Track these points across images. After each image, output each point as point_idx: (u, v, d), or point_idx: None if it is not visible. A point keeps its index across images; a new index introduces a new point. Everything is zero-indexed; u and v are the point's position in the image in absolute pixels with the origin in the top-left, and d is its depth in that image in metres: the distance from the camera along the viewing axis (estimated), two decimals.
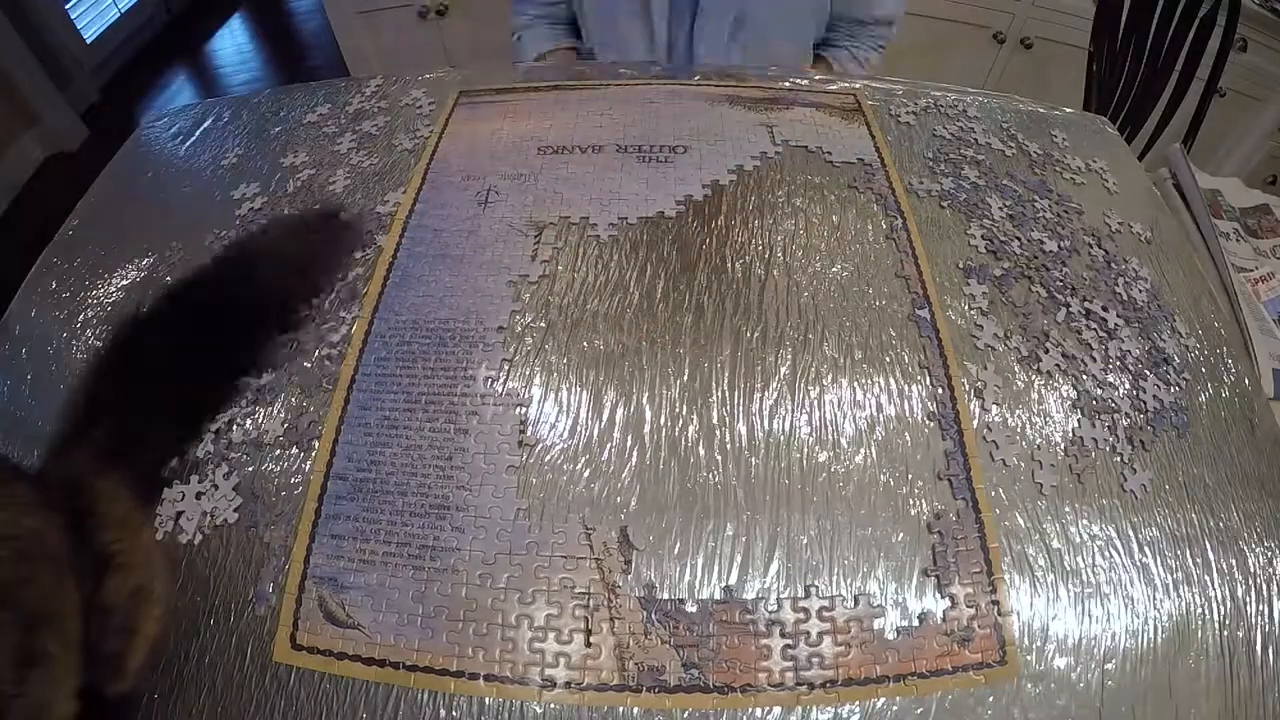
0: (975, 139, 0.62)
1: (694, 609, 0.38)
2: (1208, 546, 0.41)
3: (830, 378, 0.46)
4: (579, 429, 0.44)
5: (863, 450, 0.43)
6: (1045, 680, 0.37)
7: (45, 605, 0.32)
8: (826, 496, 0.41)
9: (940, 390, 0.45)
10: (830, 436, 0.44)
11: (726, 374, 0.46)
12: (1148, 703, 0.37)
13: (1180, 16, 1.04)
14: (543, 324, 0.49)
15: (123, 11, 2.43)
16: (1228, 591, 0.40)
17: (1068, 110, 0.68)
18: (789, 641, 0.37)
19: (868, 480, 0.42)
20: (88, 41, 2.26)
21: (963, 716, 0.36)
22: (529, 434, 0.44)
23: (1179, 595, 0.40)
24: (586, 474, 0.42)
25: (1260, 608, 0.40)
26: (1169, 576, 0.40)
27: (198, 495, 0.43)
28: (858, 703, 0.36)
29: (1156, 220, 0.58)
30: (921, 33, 1.54)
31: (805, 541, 0.40)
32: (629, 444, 0.43)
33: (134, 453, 0.42)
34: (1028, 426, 0.45)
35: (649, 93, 0.66)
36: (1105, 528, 0.41)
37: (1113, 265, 0.54)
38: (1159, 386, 0.47)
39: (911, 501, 0.41)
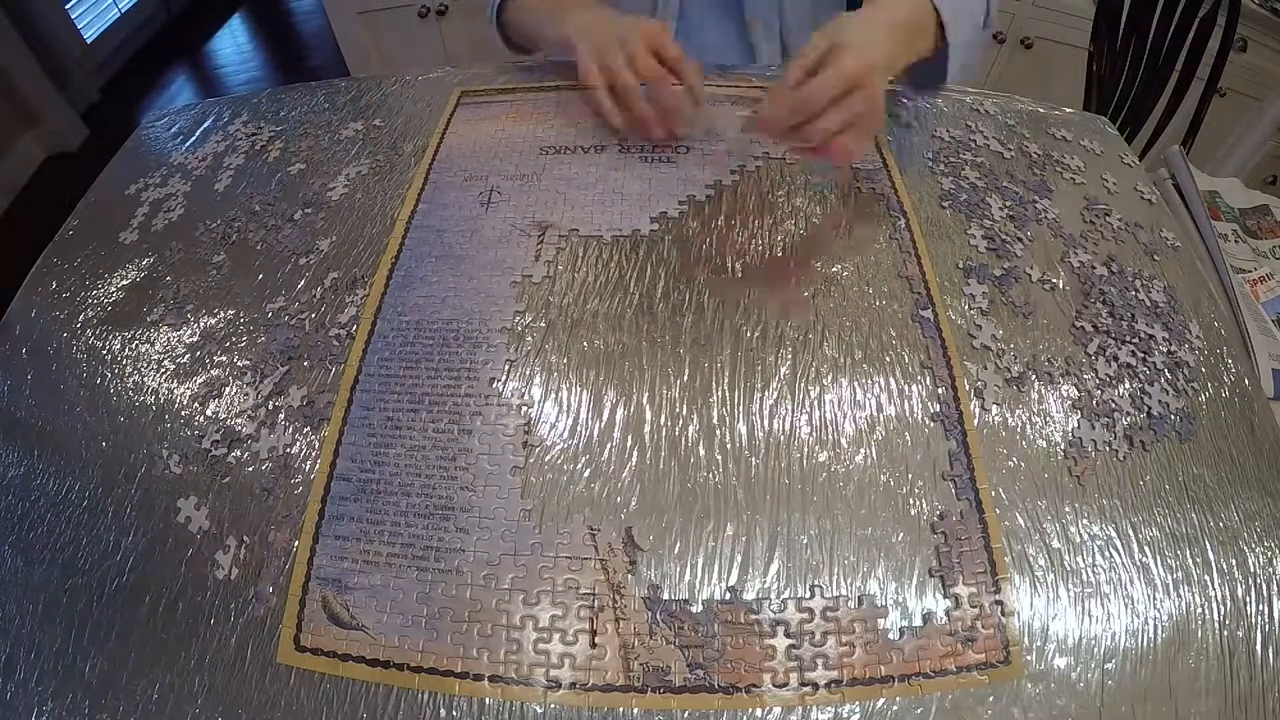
0: (975, 139, 0.62)
1: (699, 609, 0.38)
2: (1208, 546, 0.42)
3: (830, 378, 0.46)
4: (579, 429, 0.44)
5: (863, 450, 0.43)
6: (1045, 680, 0.37)
7: None
8: (826, 496, 0.41)
9: (943, 390, 0.45)
10: (830, 436, 0.44)
11: (726, 374, 0.46)
12: (1148, 703, 0.37)
13: (1180, 16, 1.04)
14: (543, 324, 0.49)
15: (123, 11, 2.42)
16: (1228, 591, 0.40)
17: (1068, 110, 0.68)
18: (794, 642, 0.37)
19: (868, 480, 0.42)
20: (88, 41, 2.26)
21: (963, 716, 0.36)
22: (532, 434, 0.44)
23: (1179, 595, 0.40)
24: (587, 474, 0.42)
25: (1260, 608, 0.40)
26: (1169, 576, 0.40)
27: (196, 496, 0.43)
28: (858, 703, 0.36)
29: (1157, 220, 0.59)
30: None
31: (805, 541, 0.40)
32: (629, 444, 0.43)
33: None
34: (1028, 426, 0.45)
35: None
36: (1105, 528, 0.41)
37: (1112, 265, 0.54)
38: (1160, 387, 0.47)
39: (912, 501, 0.41)
